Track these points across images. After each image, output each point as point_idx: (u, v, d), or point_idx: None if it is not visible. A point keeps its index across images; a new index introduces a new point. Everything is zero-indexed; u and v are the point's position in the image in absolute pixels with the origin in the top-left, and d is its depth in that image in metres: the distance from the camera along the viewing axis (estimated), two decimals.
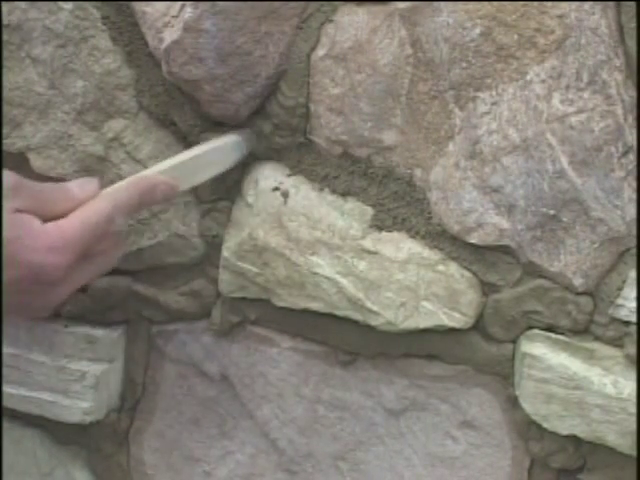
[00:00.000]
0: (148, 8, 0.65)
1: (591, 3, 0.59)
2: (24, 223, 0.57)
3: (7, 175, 0.58)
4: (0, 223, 0.56)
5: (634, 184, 0.62)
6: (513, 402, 0.70)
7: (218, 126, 0.69)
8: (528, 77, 0.61)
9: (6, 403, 0.77)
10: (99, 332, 0.77)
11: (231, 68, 0.66)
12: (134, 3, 0.67)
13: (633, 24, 0.59)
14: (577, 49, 0.60)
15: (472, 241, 0.66)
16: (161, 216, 0.73)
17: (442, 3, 0.62)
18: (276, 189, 0.70)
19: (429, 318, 0.68)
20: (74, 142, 0.71)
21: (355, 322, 0.70)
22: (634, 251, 0.64)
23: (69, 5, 0.68)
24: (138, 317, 0.78)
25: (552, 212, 0.64)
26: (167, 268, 0.76)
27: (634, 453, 0.65)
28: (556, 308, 0.66)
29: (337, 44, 0.65)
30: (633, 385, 0.64)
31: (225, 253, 0.72)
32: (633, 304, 0.63)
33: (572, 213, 0.63)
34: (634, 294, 0.63)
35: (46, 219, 0.58)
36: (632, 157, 0.61)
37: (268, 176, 0.70)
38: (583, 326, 0.66)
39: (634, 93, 0.60)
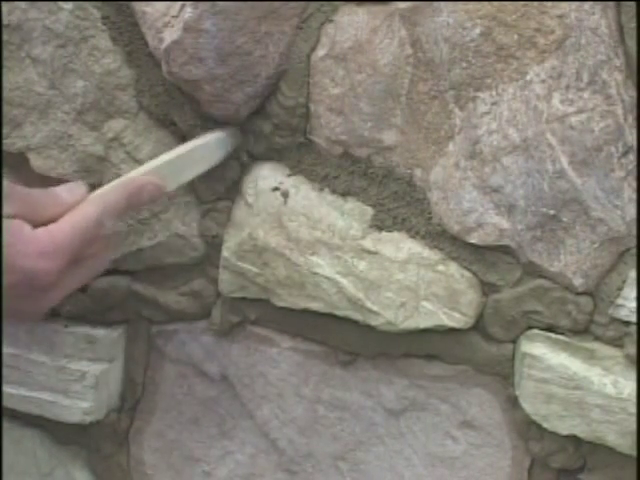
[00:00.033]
0: (148, 8, 0.65)
1: (591, 3, 0.59)
2: (15, 229, 0.57)
3: None
4: (0, 228, 0.56)
5: (634, 184, 0.62)
6: (513, 402, 0.70)
7: (218, 126, 0.69)
8: (528, 77, 0.61)
9: (6, 403, 0.77)
10: (99, 332, 0.77)
11: (231, 68, 0.65)
12: (134, 3, 0.66)
13: (633, 24, 0.59)
14: (577, 49, 0.60)
15: (472, 241, 0.66)
16: (161, 216, 0.73)
17: (442, 3, 0.62)
18: (276, 189, 0.70)
19: (429, 318, 0.68)
20: (74, 142, 0.71)
21: (355, 322, 0.70)
22: (634, 251, 0.64)
23: (69, 5, 0.68)
24: (138, 317, 0.78)
25: (552, 212, 0.64)
26: (167, 268, 0.76)
27: (634, 453, 0.65)
28: (556, 308, 0.66)
29: (337, 44, 0.65)
30: (633, 385, 0.64)
31: (225, 253, 0.72)
32: (633, 304, 0.63)
33: (572, 213, 0.63)
34: (634, 294, 0.63)
35: (36, 224, 0.58)
36: (632, 157, 0.61)
37: (268, 176, 0.70)
38: (583, 326, 0.66)
39: (634, 93, 0.60)
